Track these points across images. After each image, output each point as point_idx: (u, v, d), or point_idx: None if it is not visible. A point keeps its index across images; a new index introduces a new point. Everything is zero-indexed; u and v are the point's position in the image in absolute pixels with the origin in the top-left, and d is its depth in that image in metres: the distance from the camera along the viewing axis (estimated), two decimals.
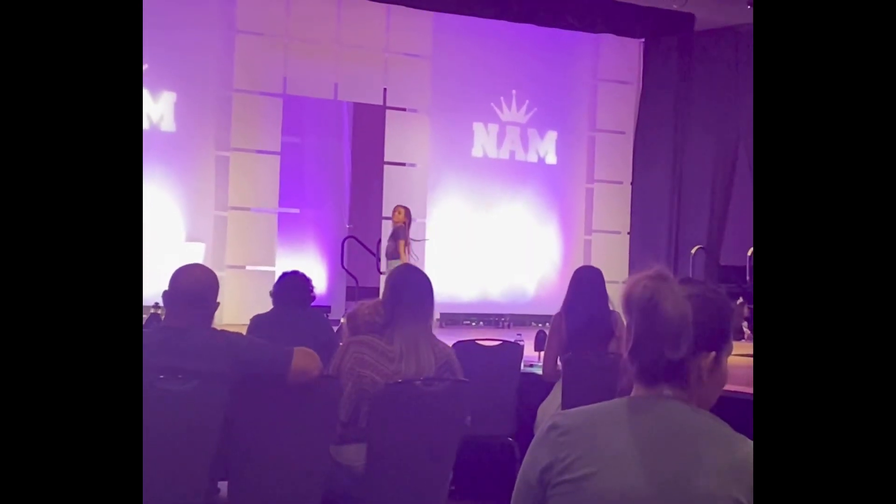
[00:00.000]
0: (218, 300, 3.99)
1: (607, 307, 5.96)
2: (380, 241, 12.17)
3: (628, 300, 2.10)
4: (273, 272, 11.08)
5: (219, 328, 4.08)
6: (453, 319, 12.17)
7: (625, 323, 2.17)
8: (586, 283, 5.99)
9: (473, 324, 12.56)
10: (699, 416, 2.02)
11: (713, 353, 2.05)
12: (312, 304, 5.92)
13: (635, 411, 2.03)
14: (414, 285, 4.37)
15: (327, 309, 11.60)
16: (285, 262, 10.54)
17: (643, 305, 2.06)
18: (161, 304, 6.61)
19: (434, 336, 4.42)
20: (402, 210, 10.51)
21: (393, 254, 10.37)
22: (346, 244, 12.47)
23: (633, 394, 2.08)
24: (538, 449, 2.07)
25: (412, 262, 10.09)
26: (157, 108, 11.22)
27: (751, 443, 1.97)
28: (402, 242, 10.40)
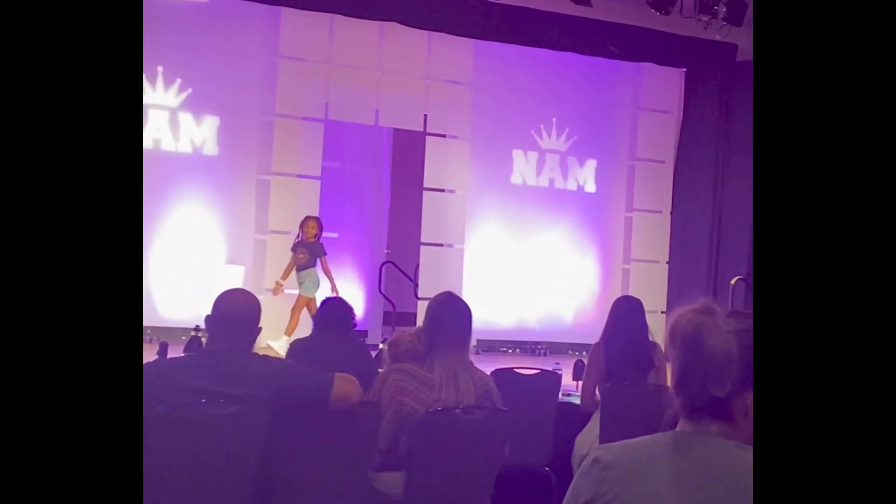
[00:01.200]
0: (259, 325, 4.02)
1: (647, 337, 5.94)
2: (418, 266, 12.18)
3: (673, 333, 2.08)
4: (312, 296, 11.13)
5: (257, 351, 4.11)
6: (490, 346, 12.14)
7: (665, 354, 2.16)
8: (626, 312, 5.96)
9: (510, 351, 12.53)
10: (745, 453, 1.99)
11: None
12: (353, 330, 5.95)
13: (680, 448, 2.01)
14: (454, 313, 4.38)
15: (364, 334, 11.62)
16: (323, 286, 10.56)
17: (688, 339, 2.04)
18: (201, 326, 6.65)
19: (473, 364, 4.42)
20: (316, 223, 10.50)
21: (307, 265, 10.33)
22: (383, 269, 12.49)
23: (678, 428, 2.06)
24: (580, 483, 2.05)
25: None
26: (200, 133, 11.33)
27: None
28: (324, 258, 10.40)
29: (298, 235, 10.42)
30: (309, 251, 10.34)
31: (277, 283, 10.39)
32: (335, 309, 5.75)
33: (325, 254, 10.52)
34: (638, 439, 2.08)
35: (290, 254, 10.55)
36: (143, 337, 10.63)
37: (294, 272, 10.34)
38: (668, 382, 2.14)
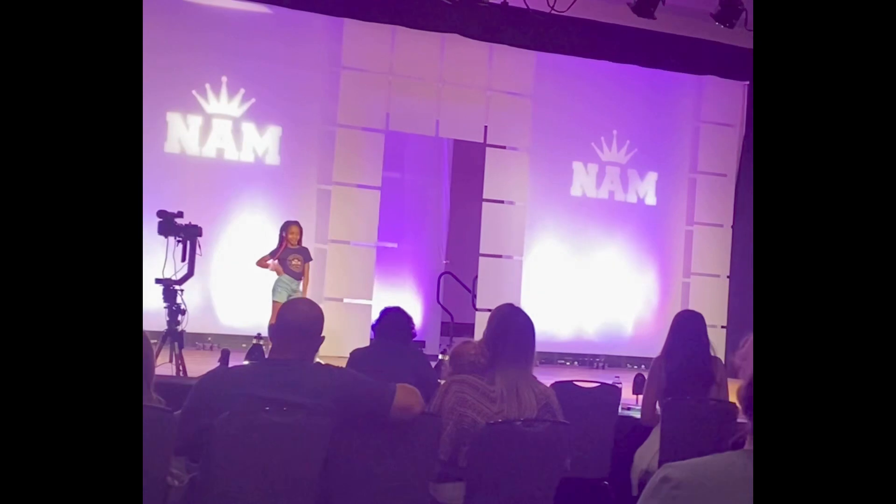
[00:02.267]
0: (323, 335, 4.05)
1: (708, 352, 5.89)
2: (476, 277, 12.19)
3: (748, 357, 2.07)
4: (370, 306, 11.19)
5: (318, 360, 4.14)
6: (548, 358, 12.11)
7: (735, 370, 2.14)
8: (687, 327, 5.92)
9: (568, 363, 12.49)
10: None
11: None
12: (412, 339, 5.97)
13: (745, 468, 1.99)
14: (517, 327, 4.38)
15: (422, 344, 11.65)
16: (382, 296, 10.63)
17: None
18: (262, 335, 6.72)
19: (535, 377, 4.42)
20: (298, 227, 10.29)
21: (299, 275, 10.12)
22: (442, 280, 12.52)
23: (749, 447, 2.04)
24: (649, 501, 2.04)
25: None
26: (263, 142, 11.45)
27: None
28: (308, 264, 10.16)
29: (280, 242, 10.13)
30: (303, 257, 10.18)
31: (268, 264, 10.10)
32: (395, 318, 5.77)
33: (311, 259, 10.37)
34: (708, 458, 2.06)
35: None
36: (205, 344, 10.76)
37: (279, 279, 10.05)
38: (732, 398, 2.13)
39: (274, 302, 9.92)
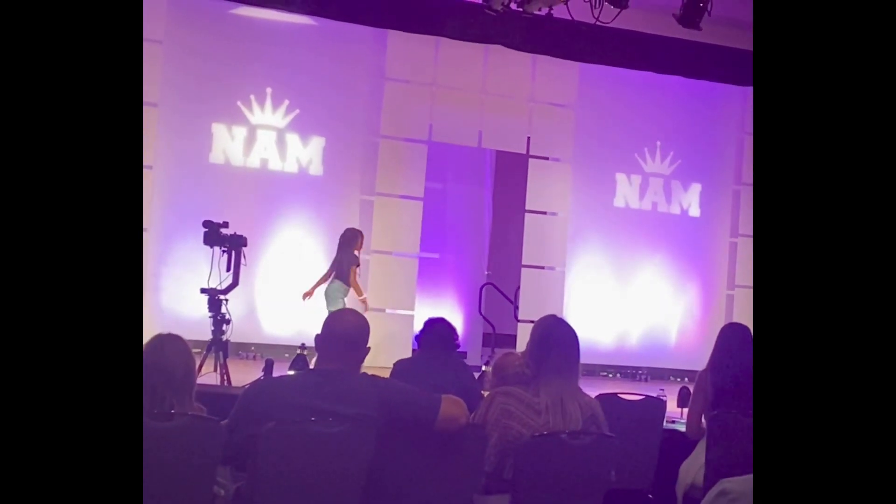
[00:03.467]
0: (368, 345, 4.05)
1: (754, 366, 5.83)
2: (518, 288, 12.17)
3: None
4: (412, 316, 11.21)
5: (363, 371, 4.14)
6: (590, 370, 12.06)
7: None
8: (734, 340, 5.86)
9: (610, 375, 12.43)
10: None
11: None
12: (456, 350, 5.96)
13: None
14: (562, 338, 4.36)
15: (464, 355, 11.63)
16: (424, 306, 10.64)
17: None
18: (307, 345, 6.72)
19: (580, 389, 4.40)
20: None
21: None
22: (484, 291, 12.51)
23: None
24: None
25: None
26: (307, 153, 11.51)
27: None
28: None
29: (358, 248, 10.15)
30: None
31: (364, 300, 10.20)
32: (439, 329, 5.77)
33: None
34: None
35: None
36: (248, 353, 10.82)
37: (357, 287, 10.07)
38: None
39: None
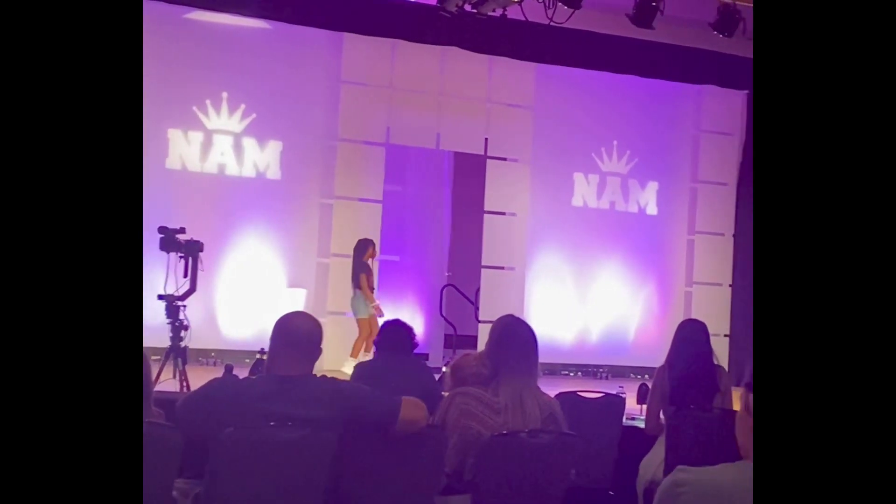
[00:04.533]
0: (321, 347, 4.03)
1: (712, 361, 5.89)
2: (478, 289, 12.19)
3: None
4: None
5: (321, 375, 4.13)
6: (551, 369, 12.10)
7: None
8: (690, 336, 5.93)
9: (571, 374, 12.49)
10: None
11: None
12: (414, 351, 5.97)
13: None
14: (519, 337, 4.38)
15: (425, 356, 11.64)
16: (385, 308, 10.60)
17: None
18: (266, 350, 6.67)
19: (539, 388, 4.41)
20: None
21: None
22: (444, 292, 12.52)
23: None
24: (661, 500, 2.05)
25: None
26: (264, 157, 11.46)
27: None
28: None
29: (367, 256, 10.42)
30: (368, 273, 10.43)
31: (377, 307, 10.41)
32: (396, 331, 5.77)
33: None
34: (719, 466, 2.07)
35: (348, 278, 10.58)
36: (208, 359, 10.76)
37: (360, 296, 10.33)
38: (736, 406, 2.13)
39: (360, 319, 10.26)
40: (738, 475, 2.02)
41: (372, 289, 10.38)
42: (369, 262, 10.45)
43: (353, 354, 10.11)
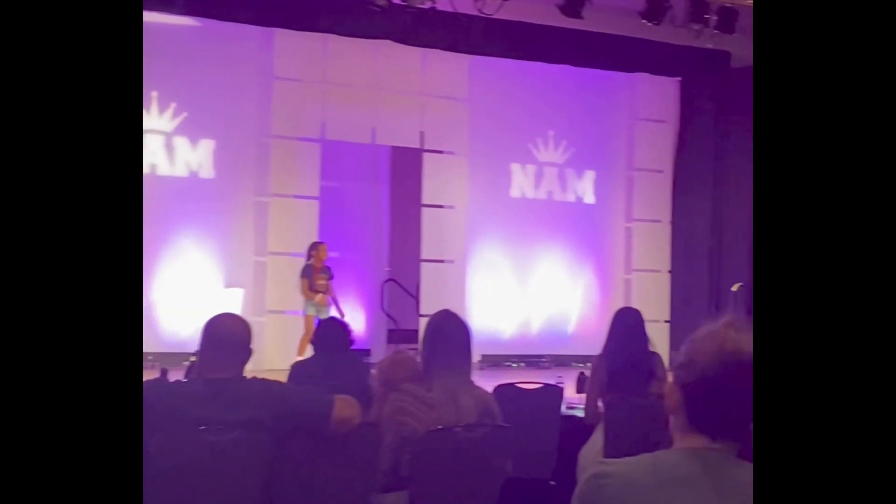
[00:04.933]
0: (252, 347, 3.98)
1: (648, 348, 5.93)
2: (419, 283, 12.18)
3: (692, 352, 2.06)
4: (313, 317, 11.11)
5: (260, 375, 4.08)
6: (494, 361, 12.11)
7: (667, 368, 2.14)
8: (626, 324, 5.95)
9: (514, 365, 12.51)
10: (745, 469, 1.98)
11: None
12: (352, 348, 5.94)
13: (694, 467, 1.98)
14: (454, 333, 4.36)
15: (367, 352, 11.60)
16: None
17: (725, 359, 2.01)
18: None
19: (473, 382, 4.40)
20: (325, 248, 10.67)
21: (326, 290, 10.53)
22: (385, 287, 12.49)
23: (680, 445, 2.04)
24: (583, 499, 2.04)
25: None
26: (196, 156, 11.34)
27: None
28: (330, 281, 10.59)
29: (310, 258, 10.40)
30: (327, 276, 10.45)
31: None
32: (332, 329, 5.75)
33: (333, 276, 10.60)
34: (640, 457, 2.06)
35: (289, 275, 10.53)
36: (145, 362, 10.62)
37: (313, 298, 10.34)
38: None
39: (306, 317, 10.29)
40: (658, 465, 2.01)
41: (315, 290, 10.33)
42: (315, 262, 10.44)
43: (299, 353, 10.07)
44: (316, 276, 10.42)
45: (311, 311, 10.29)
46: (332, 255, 11.92)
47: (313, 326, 9.89)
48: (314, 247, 10.57)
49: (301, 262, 10.83)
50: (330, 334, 5.69)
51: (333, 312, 10.05)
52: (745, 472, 1.97)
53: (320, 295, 10.39)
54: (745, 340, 2.00)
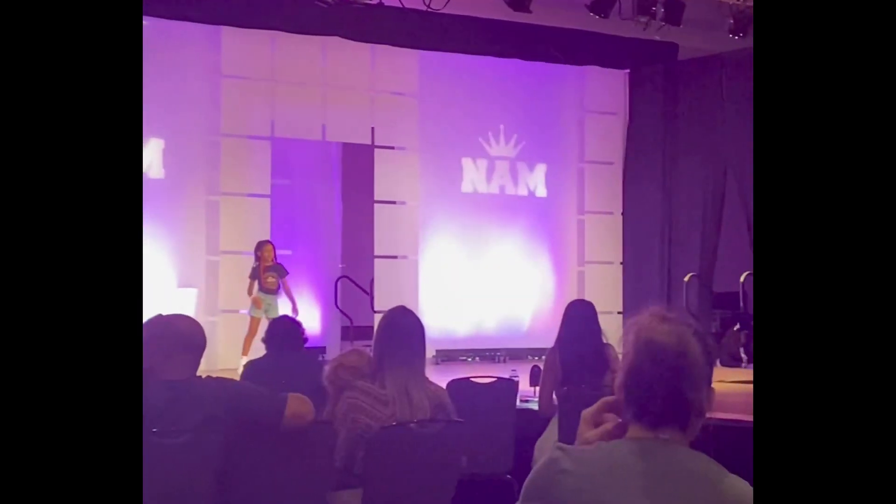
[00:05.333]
0: (203, 346, 3.96)
1: (601, 340, 5.97)
2: (373, 280, 12.15)
3: (626, 342, 2.09)
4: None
5: (213, 374, 4.06)
6: (449, 356, 12.12)
7: (620, 359, 2.16)
8: (578, 316, 6.00)
9: (469, 360, 12.51)
10: (695, 458, 2.01)
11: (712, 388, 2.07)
12: (306, 345, 5.93)
13: (638, 457, 2.01)
14: (405, 329, 4.37)
15: (322, 350, 11.55)
16: (279, 304, 10.50)
17: (642, 347, 2.04)
18: None
19: (426, 378, 4.41)
20: (272, 245, 10.64)
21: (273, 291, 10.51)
22: (339, 284, 12.45)
23: (630, 435, 2.06)
24: (535, 484, 2.05)
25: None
26: (146, 156, 11.20)
27: (740, 481, 1.97)
28: (285, 279, 10.60)
29: (256, 261, 10.37)
30: (278, 274, 10.40)
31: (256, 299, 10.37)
32: (284, 328, 5.72)
33: (288, 273, 10.52)
34: (594, 445, 2.08)
35: (241, 273, 10.49)
36: None
37: (260, 298, 10.30)
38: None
39: (252, 317, 10.19)
40: (607, 455, 2.03)
41: (266, 289, 10.36)
42: (263, 262, 10.41)
43: (243, 352, 10.03)
44: (264, 275, 10.37)
45: (256, 314, 10.24)
46: (285, 252, 11.87)
47: (258, 326, 9.91)
48: (259, 247, 10.52)
49: (251, 261, 10.80)
50: (282, 333, 5.68)
51: (283, 310, 10.00)
52: (687, 461, 2.00)
53: (270, 296, 10.35)
54: (663, 330, 2.03)
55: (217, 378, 4.03)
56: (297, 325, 5.76)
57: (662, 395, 2.01)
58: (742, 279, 11.65)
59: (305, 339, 5.79)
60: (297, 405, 3.94)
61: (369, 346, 5.21)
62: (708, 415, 2.08)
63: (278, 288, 10.42)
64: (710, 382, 2.06)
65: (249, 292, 10.33)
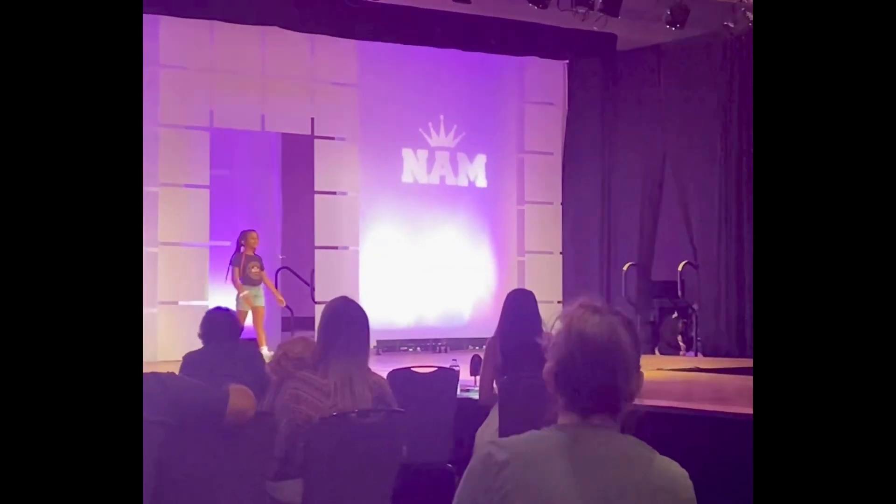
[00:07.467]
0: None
1: (541, 329, 5.99)
2: (313, 270, 12.12)
3: (555, 332, 2.12)
4: (206, 306, 10.97)
5: (153, 366, 4.02)
6: (390, 346, 12.13)
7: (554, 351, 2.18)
8: (518, 305, 6.03)
9: (410, 350, 12.53)
10: (626, 441, 2.05)
11: (642, 373, 2.10)
12: (241, 336, 5.89)
13: (570, 443, 2.04)
14: (350, 319, 4.37)
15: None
16: (218, 295, 10.45)
17: (570, 336, 2.08)
18: None
19: (369, 369, 4.42)
20: (257, 235, 10.76)
21: (257, 281, 10.63)
22: (279, 275, 12.40)
23: (563, 422, 2.09)
24: (472, 479, 2.07)
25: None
26: None
27: (670, 461, 2.01)
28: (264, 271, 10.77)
29: (240, 249, 10.36)
30: (259, 264, 10.50)
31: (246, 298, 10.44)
32: (218, 319, 5.67)
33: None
34: (527, 434, 2.11)
35: (180, 264, 10.40)
36: None
37: (247, 286, 10.34)
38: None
39: (239, 311, 10.10)
40: (541, 442, 2.07)
41: (250, 280, 10.55)
42: (247, 251, 10.58)
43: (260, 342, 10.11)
44: (249, 264, 10.39)
45: (243, 307, 10.31)
46: (224, 244, 11.81)
47: (244, 319, 9.90)
48: (244, 235, 10.56)
49: (194, 252, 10.74)
50: (216, 325, 5.61)
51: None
52: (619, 445, 2.04)
53: (255, 288, 10.46)
54: (594, 322, 2.07)
55: (156, 374, 3.98)
56: (232, 315, 5.73)
57: (594, 384, 2.05)
58: (680, 268, 11.80)
59: (241, 330, 5.76)
60: (240, 399, 3.89)
61: (312, 336, 5.22)
62: (647, 402, 2.13)
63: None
64: (638, 369, 2.10)
65: (233, 280, 10.43)
